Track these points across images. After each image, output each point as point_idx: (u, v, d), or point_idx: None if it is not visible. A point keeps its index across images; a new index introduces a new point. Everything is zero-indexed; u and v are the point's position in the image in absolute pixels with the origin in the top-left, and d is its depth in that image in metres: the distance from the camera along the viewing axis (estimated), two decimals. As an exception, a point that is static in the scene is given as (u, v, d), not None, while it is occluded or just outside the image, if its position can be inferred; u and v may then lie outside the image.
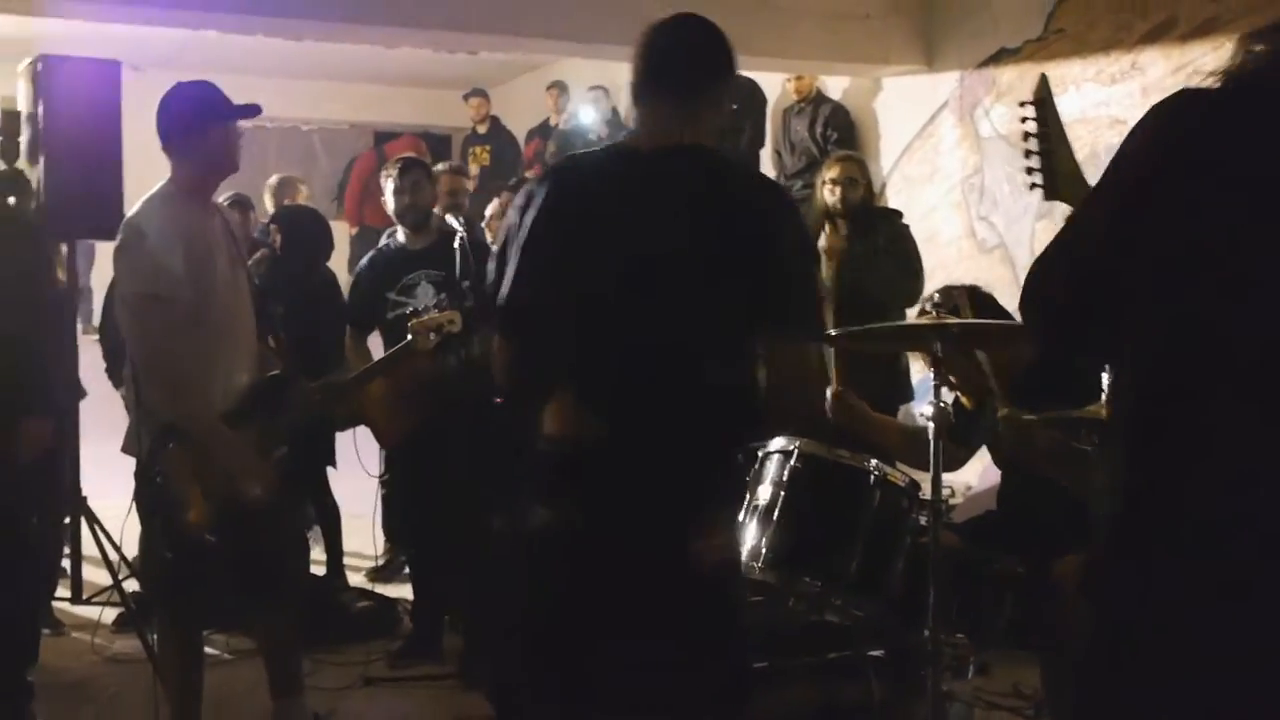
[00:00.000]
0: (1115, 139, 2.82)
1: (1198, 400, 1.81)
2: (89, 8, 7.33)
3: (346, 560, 6.62)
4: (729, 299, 2.63)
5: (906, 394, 6.27)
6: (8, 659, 4.49)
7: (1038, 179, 2.55)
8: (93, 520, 5.49)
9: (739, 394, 2.68)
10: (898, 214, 6.67)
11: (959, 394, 4.21)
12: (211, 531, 3.87)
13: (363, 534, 6.30)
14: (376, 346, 5.61)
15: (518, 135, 12.04)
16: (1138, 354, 1.89)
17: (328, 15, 7.33)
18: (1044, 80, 2.65)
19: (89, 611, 5.77)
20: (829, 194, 6.16)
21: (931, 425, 3.70)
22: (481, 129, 11.97)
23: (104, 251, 7.26)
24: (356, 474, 5.76)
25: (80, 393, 6.07)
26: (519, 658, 2.91)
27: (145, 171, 4.49)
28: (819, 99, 9.19)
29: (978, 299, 4.12)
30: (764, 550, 3.79)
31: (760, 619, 4.00)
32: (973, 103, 8.34)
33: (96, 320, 7.46)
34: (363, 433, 5.65)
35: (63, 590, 5.98)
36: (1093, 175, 2.12)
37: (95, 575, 5.91)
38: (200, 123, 4.00)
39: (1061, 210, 2.43)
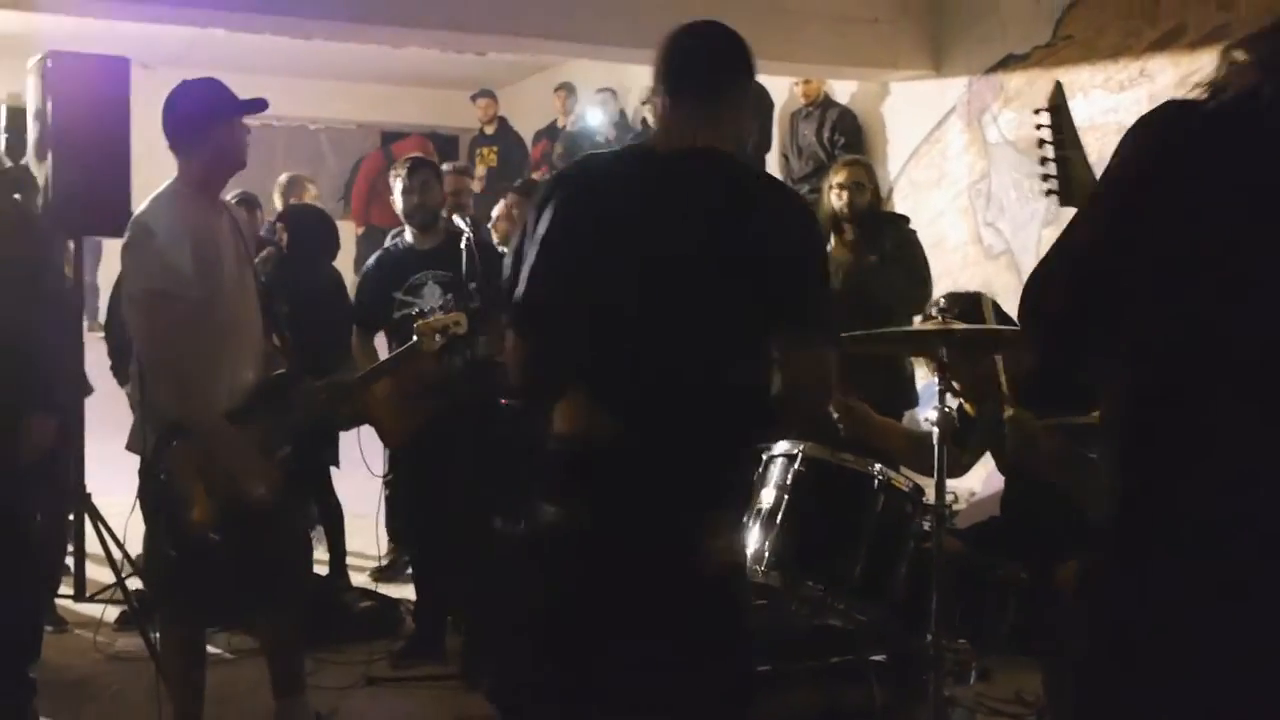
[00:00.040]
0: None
1: (1197, 400, 1.82)
2: (98, 5, 7.34)
3: (349, 560, 6.63)
4: (744, 300, 2.64)
5: (911, 399, 6.27)
6: (10, 656, 4.49)
7: (1053, 185, 2.55)
8: (96, 517, 5.49)
9: (752, 395, 2.69)
10: (905, 219, 6.65)
11: (962, 399, 4.20)
12: (215, 530, 3.87)
13: (366, 534, 6.32)
14: (382, 346, 5.62)
15: (525, 136, 12.05)
16: (1136, 355, 1.89)
17: (336, 14, 7.34)
18: (1059, 87, 2.65)
19: (92, 609, 5.77)
20: (836, 199, 6.15)
21: (936, 430, 3.70)
22: (489, 130, 11.98)
23: (111, 249, 7.31)
24: (360, 474, 5.76)
25: (87, 389, 6.08)
26: (525, 657, 2.91)
27: (153, 169, 4.49)
28: (826, 103, 9.20)
29: (982, 305, 4.11)
30: (767, 553, 3.79)
31: (763, 622, 4.00)
32: (980, 108, 8.33)
33: (103, 318, 7.46)
34: (366, 432, 5.65)
35: (66, 587, 5.98)
36: (1104, 182, 2.12)
37: (98, 573, 5.91)
38: (206, 119, 4.00)
39: (1069, 217, 2.43)
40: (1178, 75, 6.83)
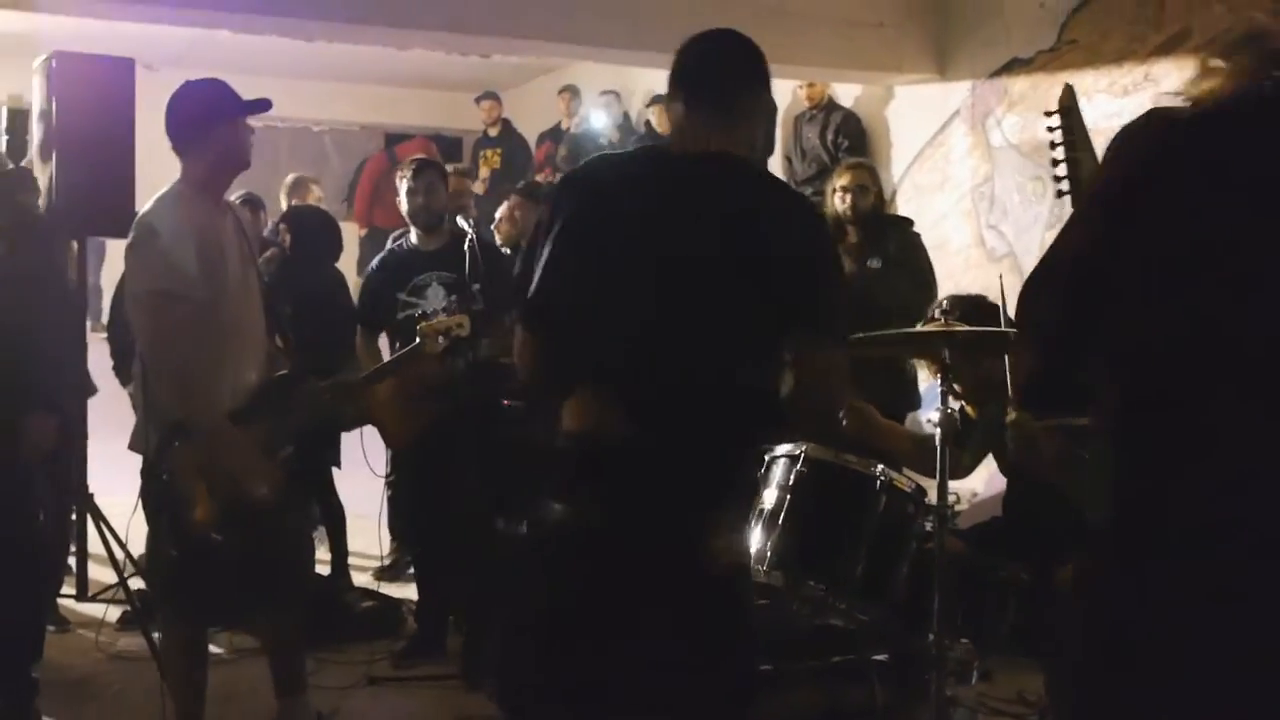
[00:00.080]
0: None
1: (1197, 400, 1.81)
2: (100, 5, 7.34)
3: (351, 560, 6.63)
4: (758, 302, 2.64)
5: (914, 401, 6.27)
6: (12, 655, 4.50)
7: (1064, 186, 2.55)
8: (99, 517, 5.49)
9: (763, 396, 2.69)
10: (909, 222, 6.65)
11: (964, 402, 4.21)
12: (217, 530, 3.88)
13: (368, 534, 6.32)
14: (384, 347, 5.62)
15: (529, 139, 12.06)
16: (1133, 356, 1.89)
17: (340, 16, 7.33)
18: (1069, 90, 2.66)
19: (94, 609, 5.77)
20: (839, 201, 6.15)
21: (939, 432, 3.70)
22: (493, 132, 11.99)
23: (114, 249, 7.31)
24: (362, 474, 5.77)
25: (90, 389, 6.09)
26: (530, 656, 2.90)
27: (157, 170, 4.49)
28: (831, 106, 9.19)
29: (984, 308, 4.12)
30: (769, 553, 3.80)
31: (765, 622, 4.00)
32: (984, 112, 8.32)
33: (106, 318, 7.47)
34: (369, 433, 5.66)
35: (68, 587, 5.98)
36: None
37: (101, 573, 5.91)
38: (210, 119, 4.00)
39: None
40: (1182, 80, 6.77)
